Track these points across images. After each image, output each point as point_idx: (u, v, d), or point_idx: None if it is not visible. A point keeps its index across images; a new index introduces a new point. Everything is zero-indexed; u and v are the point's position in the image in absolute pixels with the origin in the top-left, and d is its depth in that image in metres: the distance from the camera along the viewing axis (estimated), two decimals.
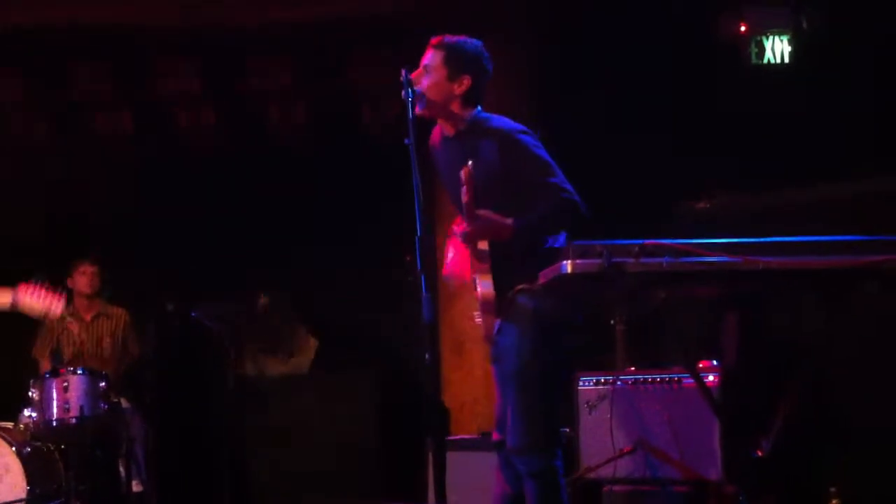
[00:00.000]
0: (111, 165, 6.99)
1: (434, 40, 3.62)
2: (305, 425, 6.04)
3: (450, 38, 3.61)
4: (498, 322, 3.52)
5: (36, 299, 3.97)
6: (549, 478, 3.47)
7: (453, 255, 3.64)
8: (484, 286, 3.47)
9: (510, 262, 3.47)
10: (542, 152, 3.55)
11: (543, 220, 3.48)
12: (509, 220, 3.42)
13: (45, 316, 3.96)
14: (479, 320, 3.56)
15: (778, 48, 5.82)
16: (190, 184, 6.86)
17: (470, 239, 3.46)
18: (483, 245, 3.47)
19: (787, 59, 5.85)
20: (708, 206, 5.44)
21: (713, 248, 3.25)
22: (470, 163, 3.32)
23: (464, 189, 3.35)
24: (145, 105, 6.87)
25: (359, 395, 6.15)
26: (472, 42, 3.63)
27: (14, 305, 3.92)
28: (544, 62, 6.12)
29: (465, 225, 3.44)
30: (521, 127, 3.60)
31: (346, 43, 6.54)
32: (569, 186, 3.50)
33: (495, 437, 3.66)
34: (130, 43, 6.56)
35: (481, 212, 3.40)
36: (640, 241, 3.40)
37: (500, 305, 3.49)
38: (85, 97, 6.81)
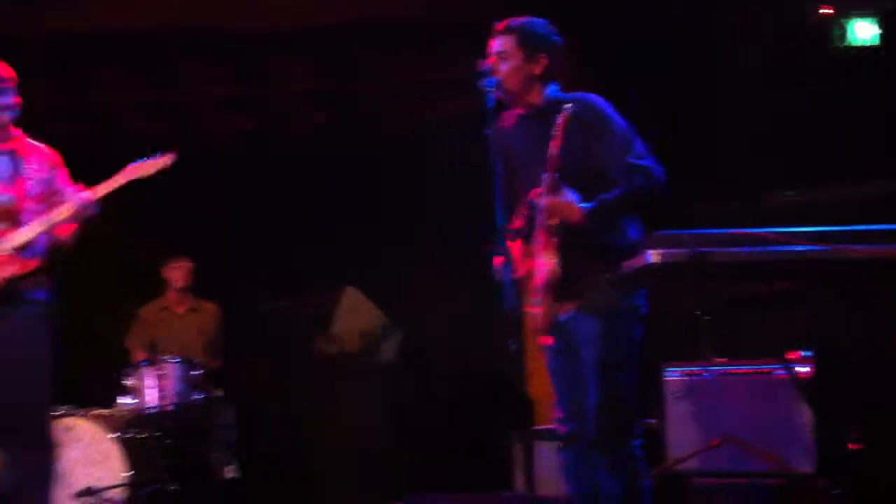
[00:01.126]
0: (209, 163, 7.18)
1: (499, 26, 3.52)
2: (387, 413, 6.08)
3: (517, 21, 3.53)
4: (569, 310, 3.45)
5: (146, 166, 4.09)
6: (631, 470, 3.41)
7: (511, 250, 3.57)
8: (549, 264, 3.37)
9: (586, 247, 3.37)
10: (624, 127, 3.44)
11: (618, 202, 3.36)
12: (581, 206, 3.31)
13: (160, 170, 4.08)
14: (535, 309, 3.48)
15: (865, 31, 5.59)
16: (279, 181, 6.99)
17: (547, 208, 3.34)
18: (553, 220, 3.36)
19: (874, 42, 5.60)
20: (797, 195, 5.33)
21: (801, 237, 3.19)
22: (569, 106, 3.25)
23: (552, 144, 3.25)
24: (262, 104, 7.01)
25: (439, 385, 6.18)
26: (539, 20, 3.55)
27: (129, 179, 4.04)
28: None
29: (545, 190, 3.33)
30: (601, 101, 3.49)
31: (397, 40, 6.54)
32: (648, 163, 3.38)
33: (562, 429, 3.57)
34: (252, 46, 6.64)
35: (561, 192, 3.31)
36: (727, 231, 3.35)
37: (572, 292, 3.41)
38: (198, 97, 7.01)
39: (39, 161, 4.12)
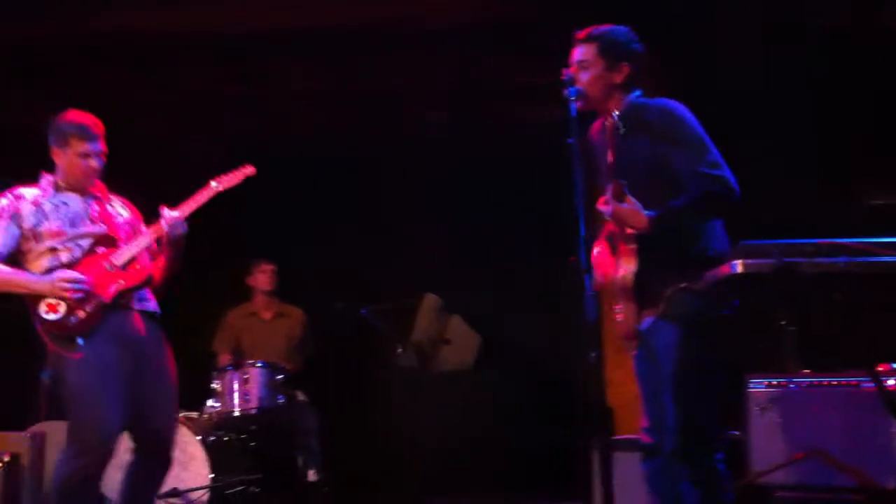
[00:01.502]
0: (290, 168, 7.29)
1: (580, 34, 3.53)
2: (468, 422, 6.09)
3: (598, 30, 3.52)
4: (649, 319, 3.43)
5: (230, 179, 4.30)
6: (714, 482, 3.36)
7: (599, 253, 3.57)
8: (626, 270, 3.37)
9: (664, 255, 3.35)
10: (700, 133, 3.41)
11: (686, 209, 3.33)
12: (646, 213, 3.30)
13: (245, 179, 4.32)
14: (619, 317, 3.47)
15: None
16: (360, 187, 7.06)
17: (613, 216, 3.34)
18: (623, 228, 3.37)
19: None
20: (888, 203, 5.21)
21: (888, 246, 3.13)
22: (616, 115, 3.22)
23: (608, 152, 3.24)
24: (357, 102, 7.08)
25: (519, 393, 6.16)
26: (621, 28, 3.54)
27: (218, 192, 4.26)
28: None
29: (610, 198, 3.33)
30: (680, 108, 3.46)
31: (492, 42, 6.54)
32: (721, 172, 3.34)
33: (647, 439, 3.55)
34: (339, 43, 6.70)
35: (627, 200, 3.30)
36: (815, 241, 3.30)
37: (651, 299, 3.39)
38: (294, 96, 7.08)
39: (129, 210, 4.41)
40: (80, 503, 3.96)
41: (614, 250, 3.47)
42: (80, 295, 4.03)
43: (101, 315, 4.06)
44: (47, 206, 4.17)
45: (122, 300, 4.14)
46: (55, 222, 4.14)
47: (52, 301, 4.03)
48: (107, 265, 4.14)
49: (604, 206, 3.38)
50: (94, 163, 4.20)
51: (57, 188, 4.23)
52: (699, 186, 3.33)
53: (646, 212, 3.31)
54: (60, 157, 4.22)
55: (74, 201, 4.22)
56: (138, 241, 4.21)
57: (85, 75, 6.64)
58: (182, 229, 4.22)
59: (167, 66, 6.63)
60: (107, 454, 3.98)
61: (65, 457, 4.01)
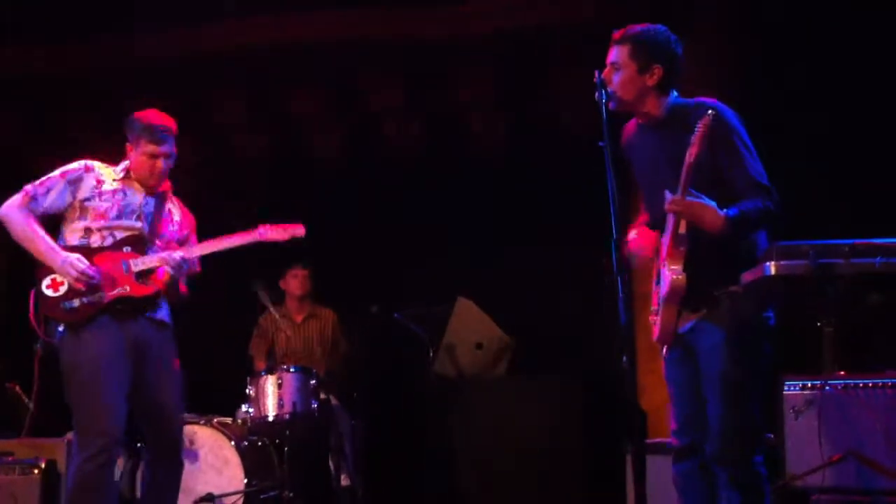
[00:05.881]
0: (323, 176, 7.35)
1: (616, 35, 3.48)
2: (501, 426, 6.08)
3: (632, 30, 3.47)
4: (691, 320, 3.41)
5: (277, 231, 4.33)
6: (755, 486, 3.35)
7: (636, 234, 3.54)
8: (675, 273, 3.31)
9: (715, 257, 3.31)
10: (747, 139, 3.37)
11: (760, 215, 3.29)
12: (722, 212, 3.23)
13: (291, 239, 4.35)
14: (654, 318, 3.44)
15: None
16: (391, 191, 7.08)
17: (678, 210, 3.27)
18: (682, 228, 3.31)
19: None
20: None
21: None
22: (710, 112, 3.17)
23: (691, 151, 3.17)
24: (356, 119, 7.16)
25: (552, 398, 6.14)
26: (657, 28, 3.48)
27: (259, 240, 4.30)
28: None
29: (679, 194, 3.26)
30: (729, 111, 3.41)
31: (544, 50, 6.55)
32: (769, 184, 3.33)
33: (676, 442, 3.52)
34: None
35: (699, 195, 3.25)
36: (851, 241, 3.27)
37: (697, 302, 3.37)
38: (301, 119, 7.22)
39: (182, 216, 4.48)
40: (96, 492, 4.01)
41: (656, 252, 3.45)
42: (81, 287, 4.10)
43: (94, 312, 4.12)
44: (107, 188, 4.25)
45: (120, 306, 4.17)
46: (104, 205, 4.22)
47: (59, 279, 4.11)
48: (124, 266, 4.19)
49: (671, 203, 3.29)
50: (161, 164, 4.28)
51: (126, 176, 4.32)
52: (760, 199, 3.29)
53: (722, 211, 3.24)
54: (131, 153, 4.31)
55: (134, 195, 4.30)
56: (162, 256, 4.24)
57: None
58: (184, 269, 4.26)
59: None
60: (114, 439, 4.03)
61: (75, 448, 4.11)
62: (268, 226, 4.36)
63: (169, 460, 4.28)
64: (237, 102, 7.22)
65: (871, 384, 4.40)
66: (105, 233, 4.22)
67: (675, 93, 3.51)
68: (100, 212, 4.22)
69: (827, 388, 4.43)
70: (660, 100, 3.48)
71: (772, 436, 4.50)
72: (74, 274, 4.09)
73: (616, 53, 3.47)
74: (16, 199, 4.23)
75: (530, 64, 6.64)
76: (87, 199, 4.22)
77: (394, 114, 7.12)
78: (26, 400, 5.41)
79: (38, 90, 6.92)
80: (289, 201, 7.24)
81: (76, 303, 4.12)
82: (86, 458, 3.99)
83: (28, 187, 4.24)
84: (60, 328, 4.16)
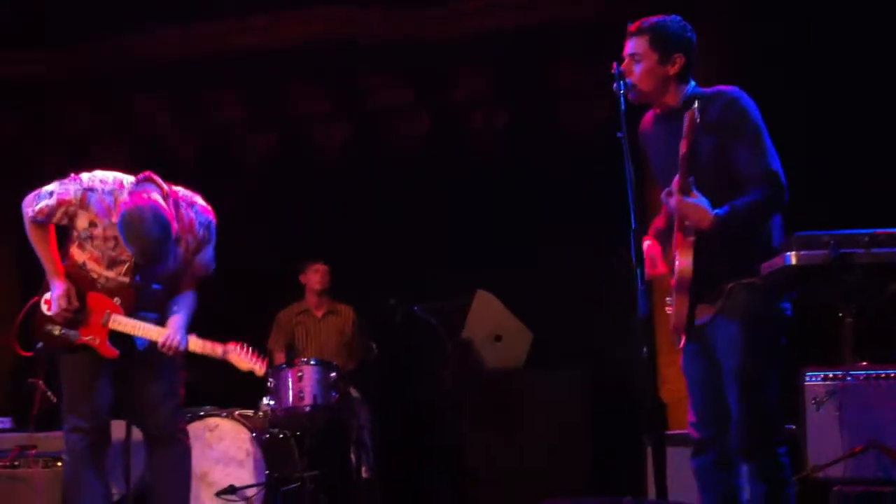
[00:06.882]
0: (323, 175, 7.37)
1: (632, 27, 3.45)
2: (519, 418, 6.08)
3: (649, 21, 3.44)
4: (707, 314, 3.40)
5: (243, 358, 4.31)
6: (778, 478, 3.33)
7: (648, 246, 3.52)
8: (683, 262, 3.29)
9: (727, 250, 3.29)
10: (760, 125, 3.33)
11: (752, 210, 3.26)
12: (712, 212, 3.21)
13: (249, 371, 4.35)
14: (670, 309, 3.43)
15: None
16: (405, 187, 7.10)
17: (674, 204, 3.27)
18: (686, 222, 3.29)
19: None
20: None
21: None
22: (696, 104, 3.15)
23: (682, 143, 3.17)
24: (364, 115, 7.19)
25: (571, 390, 6.14)
26: (672, 18, 3.46)
27: (223, 357, 4.29)
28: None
29: (674, 190, 3.25)
30: (744, 96, 3.38)
31: (546, 48, 6.54)
32: (777, 167, 3.28)
33: (695, 435, 3.50)
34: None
35: (692, 194, 3.23)
36: (871, 231, 3.25)
37: (710, 295, 3.34)
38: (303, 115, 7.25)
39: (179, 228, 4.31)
40: (87, 481, 4.12)
41: (666, 241, 3.43)
42: (60, 322, 4.20)
43: (67, 346, 4.21)
44: (98, 233, 4.18)
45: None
46: (95, 253, 4.19)
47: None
48: (104, 318, 4.22)
49: (667, 197, 3.31)
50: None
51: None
52: (759, 191, 3.26)
53: (712, 210, 3.23)
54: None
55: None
56: (137, 325, 4.23)
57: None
58: (173, 350, 4.22)
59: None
60: (101, 426, 4.17)
61: (64, 436, 4.22)
62: (237, 348, 4.31)
63: (160, 444, 4.32)
64: (237, 102, 7.21)
65: (892, 374, 4.38)
66: (102, 263, 4.23)
67: (693, 82, 3.49)
68: (94, 256, 4.22)
69: (848, 378, 4.41)
70: (679, 89, 3.46)
71: (793, 427, 4.49)
72: (56, 310, 4.19)
73: (634, 45, 3.44)
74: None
75: (531, 62, 6.62)
76: (96, 215, 4.14)
77: (395, 113, 7.12)
78: (50, 394, 5.45)
79: (38, 90, 6.94)
80: (289, 201, 7.28)
81: (56, 330, 4.23)
82: (75, 445, 4.16)
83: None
84: (39, 345, 4.26)
